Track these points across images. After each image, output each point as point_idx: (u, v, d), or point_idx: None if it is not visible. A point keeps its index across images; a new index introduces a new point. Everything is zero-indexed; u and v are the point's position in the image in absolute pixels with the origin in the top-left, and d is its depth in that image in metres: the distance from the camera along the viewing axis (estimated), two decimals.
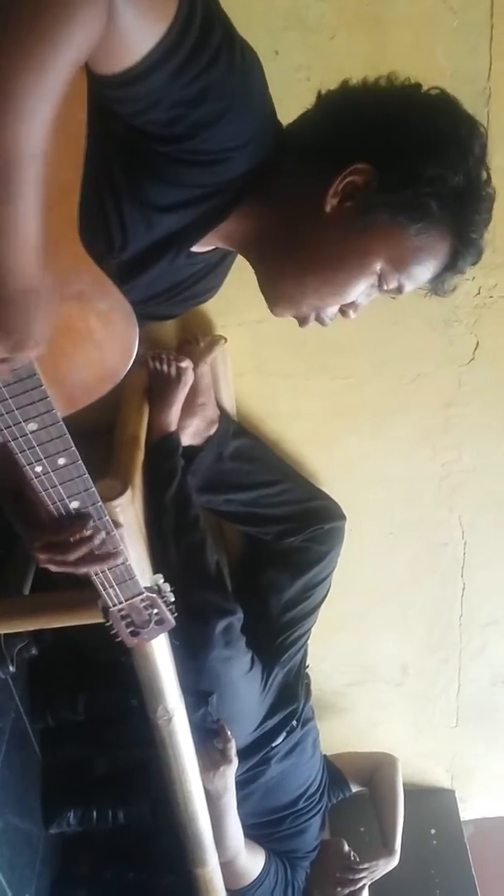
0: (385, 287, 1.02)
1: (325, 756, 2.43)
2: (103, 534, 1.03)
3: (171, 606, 1.20)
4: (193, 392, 1.83)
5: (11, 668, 1.81)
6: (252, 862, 2.14)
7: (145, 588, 1.16)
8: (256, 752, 2.07)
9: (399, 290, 1.03)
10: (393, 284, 1.02)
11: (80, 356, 0.92)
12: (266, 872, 2.17)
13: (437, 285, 1.06)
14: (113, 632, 1.20)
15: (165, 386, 1.78)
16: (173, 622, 1.21)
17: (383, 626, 2.58)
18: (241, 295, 1.83)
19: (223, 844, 2.00)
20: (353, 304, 1.06)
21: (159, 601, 1.18)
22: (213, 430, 1.90)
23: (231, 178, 0.95)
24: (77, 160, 0.81)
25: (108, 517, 1.03)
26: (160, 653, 1.48)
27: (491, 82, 1.63)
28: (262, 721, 2.06)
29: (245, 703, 1.97)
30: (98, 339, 0.91)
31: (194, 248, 1.07)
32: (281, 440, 2.14)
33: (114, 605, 1.15)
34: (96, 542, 1.03)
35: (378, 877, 2.31)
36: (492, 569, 2.45)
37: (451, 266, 1.02)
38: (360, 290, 1.03)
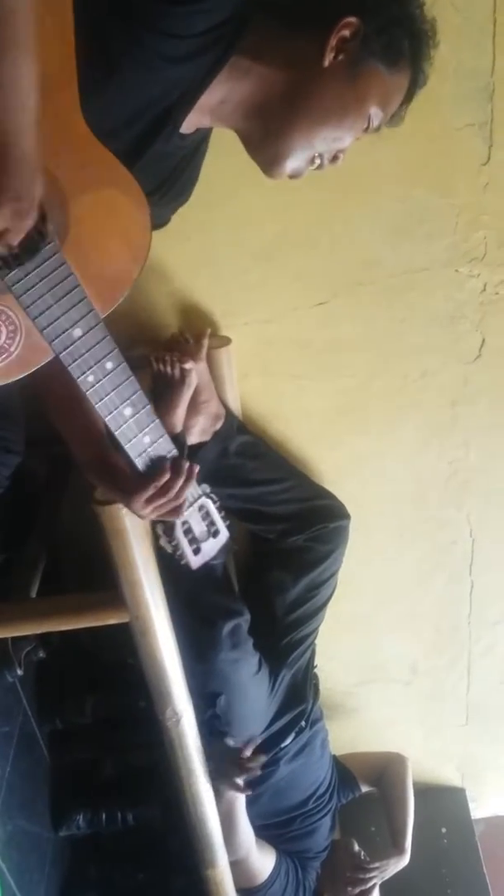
0: (370, 127, 1.10)
1: (334, 756, 2.43)
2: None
3: (223, 514, 1.23)
4: (196, 390, 1.82)
5: (19, 671, 1.81)
6: (264, 861, 2.14)
7: (202, 492, 1.19)
8: (265, 754, 2.06)
9: (377, 128, 1.11)
10: (376, 122, 1.10)
11: (102, 248, 0.92)
12: (277, 872, 2.17)
13: (395, 119, 1.14)
14: (178, 553, 1.22)
15: (170, 388, 1.77)
16: (227, 533, 1.24)
17: (392, 626, 2.57)
18: (246, 295, 1.84)
19: (234, 843, 2.00)
20: (344, 149, 1.12)
21: (213, 508, 1.21)
22: (219, 425, 1.90)
23: (221, 22, 0.96)
24: (68, 37, 0.81)
25: (158, 421, 1.06)
26: (168, 654, 1.48)
27: (494, 78, 1.63)
28: (270, 722, 2.05)
29: (253, 704, 1.96)
30: (115, 226, 0.92)
31: (184, 130, 1.09)
32: (287, 440, 2.13)
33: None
34: (181, 479, 1.10)
35: (388, 876, 2.30)
36: (500, 567, 2.44)
37: (408, 97, 1.12)
38: (356, 132, 1.10)
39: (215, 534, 1.22)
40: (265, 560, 2.08)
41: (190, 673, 1.64)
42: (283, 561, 2.04)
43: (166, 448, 1.08)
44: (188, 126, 1.09)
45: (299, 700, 2.12)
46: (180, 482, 1.10)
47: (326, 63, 1.02)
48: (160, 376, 1.78)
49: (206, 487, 1.21)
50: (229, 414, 1.93)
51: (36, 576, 1.81)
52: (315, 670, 2.26)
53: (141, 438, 1.04)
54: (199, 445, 1.88)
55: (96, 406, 0.98)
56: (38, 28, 0.69)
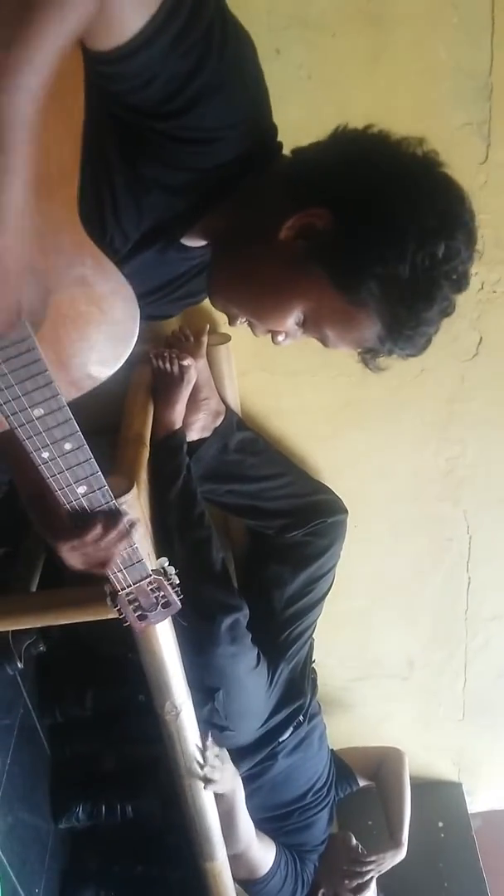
0: (306, 333, 1.04)
1: (332, 750, 2.44)
2: (118, 522, 1.06)
3: (176, 589, 1.21)
4: (195, 388, 1.84)
5: (20, 665, 1.83)
6: (264, 854, 2.15)
7: (152, 571, 1.17)
8: (263, 748, 2.08)
9: (322, 341, 1.05)
10: (312, 334, 1.04)
11: (83, 340, 0.93)
12: (277, 865, 2.18)
13: (365, 358, 1.07)
14: (121, 616, 1.21)
15: (169, 384, 1.78)
16: (179, 605, 1.22)
17: (389, 621, 2.59)
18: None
19: (235, 836, 2.01)
20: (278, 333, 1.07)
21: (165, 584, 1.19)
22: (219, 422, 1.92)
23: (223, 163, 0.95)
24: (75, 143, 0.82)
25: (114, 500, 1.04)
26: (167, 648, 1.49)
27: (493, 77, 1.63)
28: (268, 717, 2.06)
29: (251, 698, 1.97)
30: (100, 322, 0.92)
31: (186, 242, 1.08)
32: (285, 437, 2.14)
33: (122, 589, 1.17)
34: (114, 535, 1.05)
35: (386, 869, 2.32)
36: (497, 563, 2.46)
37: (379, 348, 1.03)
38: (285, 325, 1.03)
39: (165, 605, 1.21)
40: (264, 555, 2.10)
41: (189, 667, 1.66)
42: (282, 556, 2.05)
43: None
44: (191, 241, 1.08)
45: (297, 694, 2.13)
46: (110, 537, 1.05)
47: (281, 236, 0.97)
48: (159, 373, 1.79)
49: (164, 561, 1.19)
50: (229, 410, 1.94)
51: (36, 570, 1.82)
52: (313, 665, 2.28)
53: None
54: (199, 442, 1.90)
55: (48, 480, 0.97)
56: (35, 145, 0.70)
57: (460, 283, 0.97)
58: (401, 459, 2.22)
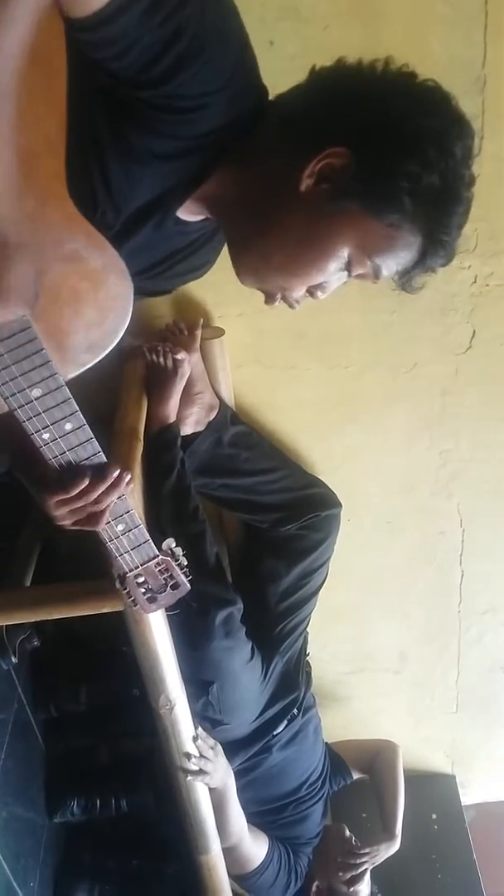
0: (354, 272, 1.03)
1: (326, 744, 2.45)
2: (106, 473, 1.03)
3: (185, 570, 1.20)
4: (189, 381, 1.83)
5: (14, 659, 1.83)
6: (256, 847, 2.16)
7: (160, 551, 1.17)
8: (258, 741, 2.08)
9: (368, 276, 1.04)
10: (361, 270, 1.02)
11: (78, 317, 0.92)
12: (270, 858, 2.19)
13: (405, 280, 1.06)
14: (130, 599, 1.21)
15: (163, 378, 1.78)
16: (188, 586, 1.21)
17: (382, 615, 2.60)
18: (239, 286, 1.84)
19: (226, 830, 2.02)
20: (320, 286, 1.06)
21: (173, 564, 1.18)
22: (213, 416, 1.92)
23: (211, 130, 0.94)
24: (60, 115, 0.81)
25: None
26: (161, 642, 1.49)
27: (486, 70, 1.64)
28: (263, 710, 2.07)
29: (246, 692, 1.98)
30: (95, 298, 0.91)
31: (183, 216, 1.07)
32: (279, 430, 2.15)
33: (130, 571, 1.16)
34: (103, 486, 1.02)
35: (379, 861, 2.33)
36: (490, 556, 2.47)
37: (420, 263, 1.02)
38: (328, 273, 1.03)
39: (174, 587, 1.20)
40: (258, 549, 2.10)
41: (183, 661, 1.66)
42: (276, 549, 2.05)
43: (123, 509, 1.06)
44: (189, 214, 1.07)
45: (292, 688, 2.14)
46: (101, 489, 1.01)
47: (303, 188, 0.96)
48: (153, 367, 1.79)
49: (171, 542, 1.18)
50: (223, 405, 1.94)
51: (30, 564, 1.82)
52: (307, 658, 2.28)
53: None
54: (193, 436, 1.90)
55: (50, 461, 0.97)
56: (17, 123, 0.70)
57: (473, 179, 0.98)
58: (394, 453, 2.23)
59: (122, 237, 1.02)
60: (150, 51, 0.81)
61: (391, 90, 0.93)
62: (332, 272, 1.03)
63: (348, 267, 1.02)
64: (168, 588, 1.20)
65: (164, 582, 1.19)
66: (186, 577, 1.21)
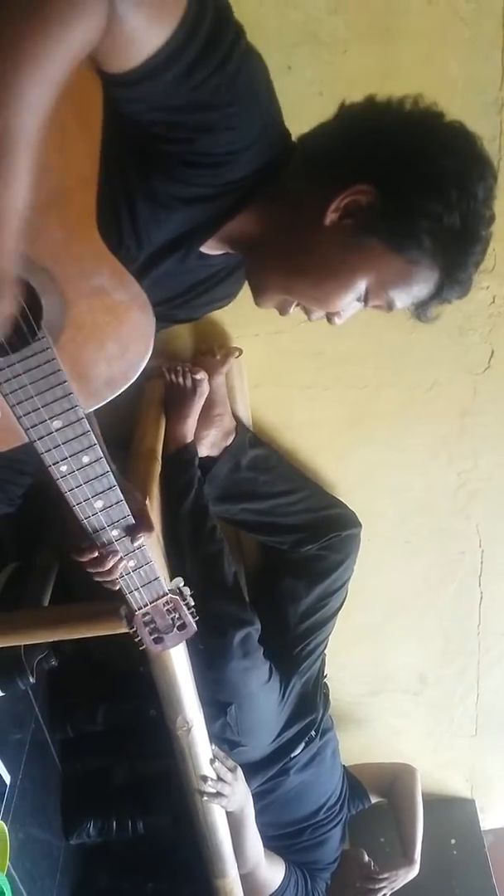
0: (370, 304, 1.06)
1: (344, 767, 2.43)
2: (127, 540, 1.08)
3: (192, 610, 1.21)
4: (210, 403, 1.84)
5: (31, 680, 1.82)
6: (272, 873, 2.14)
7: (168, 590, 1.17)
8: (275, 763, 2.06)
9: (382, 307, 1.07)
10: (376, 302, 1.05)
11: (101, 350, 0.94)
12: (286, 884, 2.16)
13: (420, 311, 1.08)
14: (137, 639, 1.21)
15: (181, 398, 1.79)
16: (195, 627, 1.22)
17: (401, 636, 2.58)
18: (257, 307, 1.85)
19: (243, 855, 2.00)
20: (337, 313, 1.09)
21: (181, 604, 1.19)
22: (230, 441, 1.91)
23: (239, 178, 0.97)
24: (94, 154, 0.83)
25: (130, 516, 1.05)
26: (179, 663, 1.48)
27: (503, 92, 1.64)
28: (280, 732, 2.05)
29: (263, 713, 1.97)
30: (117, 332, 0.93)
31: (206, 250, 1.09)
32: (297, 450, 2.14)
33: (138, 609, 1.17)
34: (120, 550, 1.08)
35: (398, 887, 2.30)
36: None
37: (436, 296, 1.05)
38: (345, 303, 1.06)
39: (181, 627, 1.21)
40: (278, 569, 2.09)
41: (201, 682, 1.65)
42: (296, 570, 2.05)
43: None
44: (212, 249, 1.10)
45: (310, 709, 2.12)
46: (109, 565, 1.09)
47: (327, 222, 0.99)
48: (172, 387, 1.80)
49: (180, 581, 1.19)
50: (241, 429, 1.94)
51: (48, 584, 1.82)
52: (325, 679, 2.26)
53: (109, 532, 1.06)
54: (210, 462, 1.89)
55: (65, 494, 0.99)
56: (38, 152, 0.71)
57: (493, 219, 1.01)
58: (413, 473, 2.22)
59: (145, 270, 1.05)
60: (181, 113, 0.83)
61: (418, 130, 0.96)
62: (349, 302, 1.06)
63: (365, 298, 1.05)
64: (175, 629, 1.21)
65: (171, 622, 1.20)
66: (194, 617, 1.21)
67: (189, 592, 1.20)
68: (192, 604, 1.20)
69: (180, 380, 1.79)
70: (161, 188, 0.94)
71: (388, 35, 1.58)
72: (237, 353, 1.89)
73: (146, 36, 0.74)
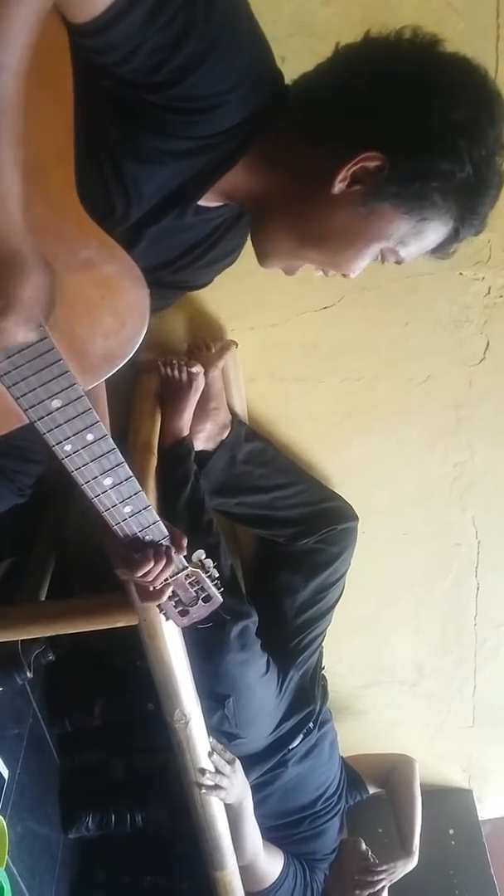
0: (385, 261, 1.03)
1: (342, 758, 2.43)
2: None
3: (216, 582, 1.19)
4: (206, 397, 1.84)
5: (29, 674, 1.82)
6: (271, 864, 2.14)
7: (189, 563, 1.16)
8: (274, 755, 2.07)
9: (398, 262, 1.04)
10: (393, 259, 1.03)
11: (95, 325, 0.92)
12: (285, 875, 2.17)
13: (437, 253, 1.06)
14: (163, 612, 1.20)
15: (177, 391, 1.79)
16: (220, 598, 1.20)
17: (398, 628, 2.58)
18: (253, 299, 1.86)
19: (242, 847, 2.00)
20: (353, 271, 1.07)
21: (204, 577, 1.17)
22: (225, 434, 1.91)
23: (229, 127, 0.93)
24: (67, 119, 0.81)
25: (142, 492, 1.04)
26: (176, 656, 1.48)
27: (498, 83, 1.63)
28: (278, 724, 2.06)
29: (261, 705, 1.97)
30: (111, 305, 0.91)
31: (204, 203, 1.06)
32: (293, 443, 2.14)
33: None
34: (158, 562, 1.09)
35: (397, 878, 2.31)
36: None
37: (452, 240, 1.02)
38: (361, 266, 1.04)
39: (206, 599, 1.19)
40: (275, 563, 2.09)
41: (198, 675, 1.65)
42: (294, 563, 2.05)
43: (149, 520, 1.07)
44: (210, 201, 1.07)
45: (307, 701, 2.13)
46: (158, 569, 1.09)
47: (335, 191, 0.95)
48: (167, 380, 1.80)
49: (202, 553, 1.17)
50: (236, 423, 1.94)
51: (45, 579, 1.82)
52: (323, 672, 2.27)
53: (120, 508, 1.03)
54: (207, 456, 1.89)
55: (72, 474, 0.97)
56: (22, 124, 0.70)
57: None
58: (409, 465, 2.22)
59: (142, 229, 1.02)
60: (156, 54, 0.79)
61: (422, 80, 0.91)
62: (366, 265, 1.04)
63: (382, 258, 1.03)
64: (199, 601, 1.19)
65: (195, 595, 1.18)
66: (218, 589, 1.20)
67: (212, 564, 1.18)
68: (216, 575, 1.19)
69: (176, 373, 1.79)
70: (146, 142, 0.91)
71: (381, 26, 1.56)
72: (233, 347, 1.89)
73: None
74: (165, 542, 1.10)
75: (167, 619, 1.21)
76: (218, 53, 0.82)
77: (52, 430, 0.92)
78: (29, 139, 0.76)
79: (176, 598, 1.18)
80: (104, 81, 0.84)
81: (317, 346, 1.97)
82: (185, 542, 1.12)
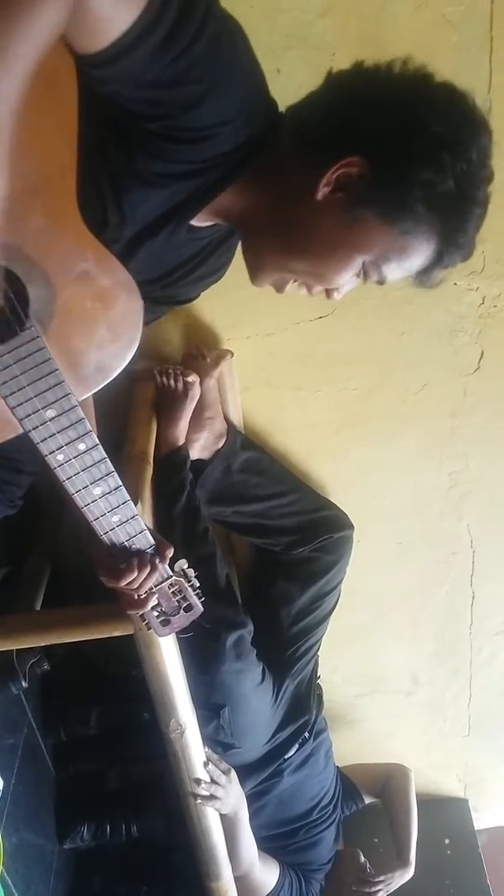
0: (367, 279, 1.04)
1: (337, 767, 2.43)
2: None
3: (197, 591, 1.20)
4: (201, 406, 1.84)
5: (24, 684, 1.82)
6: (266, 875, 2.13)
7: (173, 572, 1.17)
8: (269, 765, 2.07)
9: (381, 282, 1.05)
10: (375, 277, 1.04)
11: (90, 337, 0.93)
12: (281, 885, 2.16)
13: (422, 278, 1.07)
14: (145, 622, 1.21)
15: (173, 401, 1.79)
16: (201, 608, 1.21)
17: (393, 637, 2.58)
18: (248, 309, 1.86)
19: (237, 858, 2.00)
20: (336, 289, 1.08)
21: (186, 585, 1.18)
22: (221, 444, 1.92)
23: (224, 153, 0.95)
24: (71, 137, 0.82)
25: (130, 502, 1.05)
26: (172, 666, 1.48)
27: (492, 95, 1.64)
28: (274, 733, 2.05)
29: (257, 715, 1.97)
30: (106, 317, 0.93)
31: (195, 223, 1.08)
32: (289, 452, 2.15)
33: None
34: (142, 571, 1.09)
35: (394, 889, 2.30)
36: (501, 577, 2.45)
37: (437, 263, 1.03)
38: (344, 279, 1.04)
39: (187, 609, 1.20)
40: (270, 572, 2.09)
41: (193, 684, 1.65)
42: (289, 572, 2.05)
43: (137, 529, 1.08)
44: (201, 221, 1.09)
45: (303, 711, 2.12)
46: (142, 578, 1.09)
47: (319, 196, 0.97)
48: (163, 389, 1.80)
49: (184, 563, 1.18)
50: (232, 432, 1.94)
51: (40, 588, 1.82)
52: (318, 681, 2.27)
53: (109, 517, 1.04)
54: (202, 465, 1.89)
55: (64, 483, 0.98)
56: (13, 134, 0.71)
57: (491, 178, 0.98)
58: (404, 474, 2.22)
59: (135, 247, 1.04)
60: (158, 90, 0.82)
61: (407, 96, 0.93)
62: (349, 279, 1.04)
63: (364, 273, 1.03)
64: (181, 610, 1.20)
65: (177, 604, 1.19)
66: (199, 598, 1.20)
67: (194, 574, 1.19)
68: (198, 585, 1.20)
69: (171, 382, 1.79)
70: (144, 166, 0.93)
71: (376, 39, 1.58)
72: (228, 356, 1.90)
73: (115, 14, 0.73)
74: (150, 552, 1.11)
75: (149, 628, 1.22)
76: (218, 92, 0.85)
77: (45, 439, 0.93)
78: (35, 152, 0.78)
79: (158, 609, 1.19)
80: (106, 106, 0.85)
81: (312, 355, 1.97)
82: (169, 552, 1.13)
